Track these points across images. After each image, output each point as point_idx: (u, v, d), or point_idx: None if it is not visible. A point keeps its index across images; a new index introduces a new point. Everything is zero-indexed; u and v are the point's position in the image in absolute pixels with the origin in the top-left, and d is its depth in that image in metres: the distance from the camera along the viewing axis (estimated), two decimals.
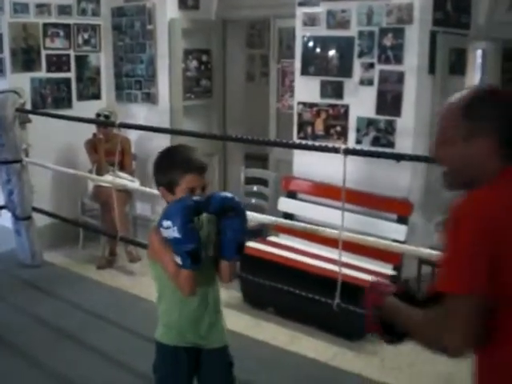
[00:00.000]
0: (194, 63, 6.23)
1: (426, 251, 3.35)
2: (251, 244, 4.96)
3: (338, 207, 3.54)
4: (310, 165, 4.93)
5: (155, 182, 2.40)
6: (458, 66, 4.95)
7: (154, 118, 5.95)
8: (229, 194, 2.32)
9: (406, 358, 4.08)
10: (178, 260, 2.18)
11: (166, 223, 2.15)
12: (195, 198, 2.22)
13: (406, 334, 1.78)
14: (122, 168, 5.68)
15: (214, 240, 2.37)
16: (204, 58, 6.31)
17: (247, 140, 4.24)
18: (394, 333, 1.82)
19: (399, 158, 3.29)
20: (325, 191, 4.85)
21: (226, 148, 6.58)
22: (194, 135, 5.52)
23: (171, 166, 2.32)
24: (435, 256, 3.16)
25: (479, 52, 5.59)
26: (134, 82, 6.25)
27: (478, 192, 1.60)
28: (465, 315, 1.53)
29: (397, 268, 4.48)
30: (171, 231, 2.14)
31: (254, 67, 7.60)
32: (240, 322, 4.39)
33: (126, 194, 5.63)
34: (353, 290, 3.91)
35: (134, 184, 5.55)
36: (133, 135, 5.98)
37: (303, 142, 4.92)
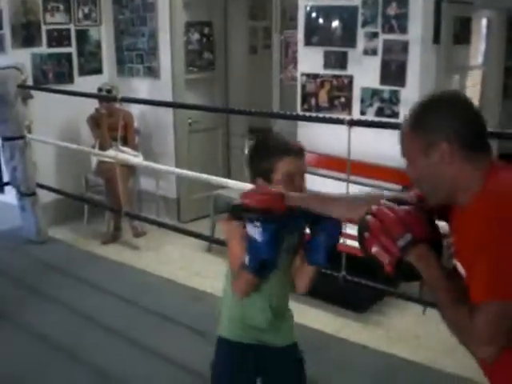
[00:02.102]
0: (195, 36, 6.17)
1: None
2: None
3: (343, 179, 3.51)
4: (315, 137, 4.89)
5: (250, 174, 2.19)
6: (462, 35, 4.89)
7: (156, 92, 5.91)
8: None
9: (411, 329, 4.10)
10: (246, 260, 2.00)
11: (257, 223, 1.95)
12: (293, 215, 2.00)
13: (416, 278, 1.66)
14: (125, 143, 5.66)
15: (296, 248, 2.20)
16: (206, 30, 6.25)
17: (250, 112, 4.22)
18: (405, 273, 1.67)
19: (397, 127, 3.25)
20: (329, 163, 4.82)
21: (230, 121, 6.55)
22: (196, 108, 5.52)
23: (266, 152, 2.14)
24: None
25: (484, 21, 5.52)
26: (136, 55, 6.19)
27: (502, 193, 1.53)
28: (503, 325, 1.48)
29: None
30: (256, 231, 1.95)
31: (257, 39, 7.52)
32: None
33: (130, 168, 5.61)
34: (358, 262, 3.91)
35: (137, 159, 5.53)
36: (135, 110, 5.95)
37: (307, 113, 4.90)
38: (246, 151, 5.52)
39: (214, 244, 5.13)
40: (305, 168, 2.16)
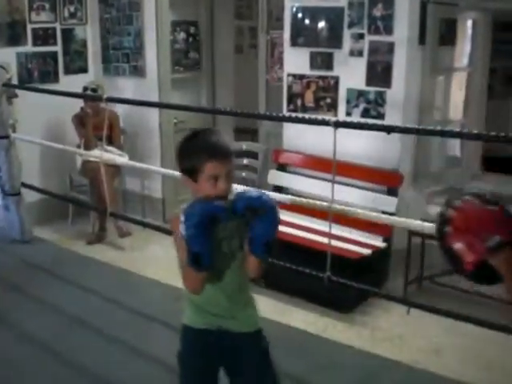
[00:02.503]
0: (181, 35, 6.17)
1: (416, 223, 3.34)
2: None
3: (329, 179, 3.52)
4: (300, 137, 4.91)
5: (178, 168, 2.24)
6: (448, 36, 4.91)
7: (141, 91, 5.89)
8: (255, 193, 2.16)
9: (396, 329, 4.11)
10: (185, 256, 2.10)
11: (182, 218, 2.05)
12: (218, 203, 2.08)
13: (494, 282, 1.56)
14: (111, 142, 5.63)
15: (242, 235, 2.22)
16: (192, 29, 6.25)
17: (236, 113, 4.21)
18: (484, 275, 1.56)
19: (389, 129, 3.26)
20: (315, 164, 4.83)
21: (216, 121, 6.54)
22: (182, 109, 5.50)
23: (193, 151, 2.16)
24: (426, 228, 3.16)
25: (469, 22, 5.54)
26: (122, 54, 6.16)
27: None
28: None
29: (387, 240, 4.49)
30: (182, 226, 2.04)
31: (243, 39, 7.53)
32: None
33: (115, 168, 5.58)
34: (343, 262, 3.92)
35: (122, 158, 5.50)
36: (121, 109, 5.92)
37: (293, 114, 4.90)
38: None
39: None
40: (231, 170, 2.17)
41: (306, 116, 4.31)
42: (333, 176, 3.33)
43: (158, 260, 5.26)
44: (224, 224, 2.13)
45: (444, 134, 3.02)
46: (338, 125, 3.29)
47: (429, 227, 2.99)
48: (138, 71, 6.07)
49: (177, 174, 4.66)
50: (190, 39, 6.25)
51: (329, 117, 4.36)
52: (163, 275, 4.90)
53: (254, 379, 2.36)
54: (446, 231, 1.56)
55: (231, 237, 2.22)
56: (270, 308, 4.33)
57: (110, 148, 5.45)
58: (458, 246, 1.53)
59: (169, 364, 3.66)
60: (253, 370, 2.35)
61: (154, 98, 5.84)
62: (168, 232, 4.82)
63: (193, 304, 2.36)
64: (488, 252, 1.50)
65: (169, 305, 4.45)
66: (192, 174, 2.16)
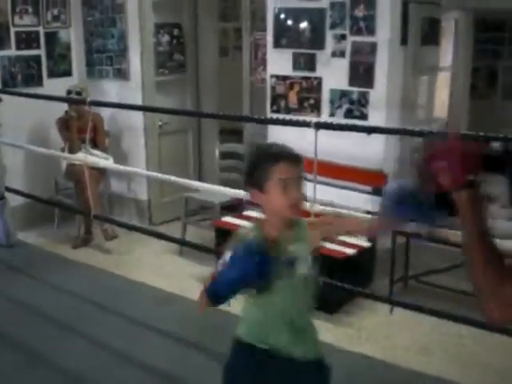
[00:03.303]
0: (165, 38, 6.15)
1: None
2: (228, 219, 4.96)
3: (311, 179, 3.53)
4: (284, 138, 4.88)
5: (246, 187, 2.08)
6: (430, 36, 4.94)
7: (126, 94, 5.88)
8: None
9: (382, 329, 4.13)
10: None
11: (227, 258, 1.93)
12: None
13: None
14: (95, 145, 5.62)
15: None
16: (176, 32, 6.23)
17: (218, 116, 4.22)
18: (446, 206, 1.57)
19: (370, 130, 3.28)
20: None
21: (201, 122, 6.53)
22: (166, 112, 5.50)
23: (260, 160, 2.03)
24: (410, 227, 3.17)
25: (452, 22, 5.58)
26: (105, 57, 6.15)
27: None
28: None
29: (372, 240, 4.50)
30: (224, 267, 1.93)
31: (228, 40, 7.53)
32: None
33: (100, 171, 5.56)
34: (328, 262, 3.93)
35: (107, 161, 5.49)
36: (106, 112, 5.90)
37: (277, 115, 4.91)
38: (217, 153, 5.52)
39: (185, 247, 5.13)
40: (302, 177, 2.02)
41: (289, 117, 4.33)
42: (314, 176, 3.34)
43: (144, 263, 5.25)
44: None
45: (422, 134, 3.03)
46: (318, 126, 3.30)
47: (413, 226, 3.00)
48: (122, 74, 6.05)
49: (162, 175, 4.71)
50: (174, 41, 6.23)
51: (312, 117, 4.37)
52: (150, 278, 4.91)
53: None
54: (432, 154, 1.56)
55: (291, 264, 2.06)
56: None
57: (94, 151, 5.44)
58: (442, 167, 1.52)
59: (157, 368, 3.68)
60: None
61: (138, 101, 5.84)
62: (155, 234, 4.85)
63: (252, 320, 2.18)
64: (464, 184, 1.50)
65: (155, 308, 4.46)
66: (260, 184, 2.00)
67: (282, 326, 2.12)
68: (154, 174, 5.02)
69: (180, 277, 4.89)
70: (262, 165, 2.00)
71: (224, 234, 4.76)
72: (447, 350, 3.86)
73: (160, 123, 6.07)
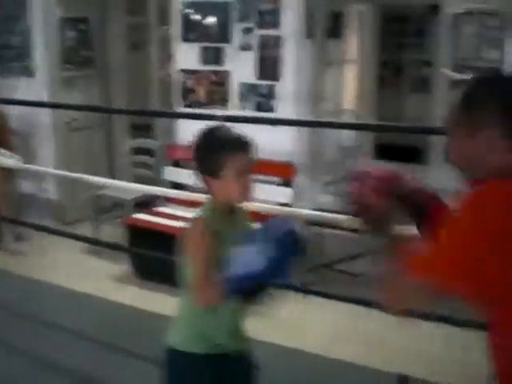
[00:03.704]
0: (71, 33, 6.02)
1: (309, 212, 3.42)
2: (139, 216, 4.91)
3: None
4: (194, 132, 4.90)
5: (197, 170, 2.06)
6: (336, 29, 5.04)
7: (31, 91, 5.72)
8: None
9: (296, 318, 4.19)
10: (230, 274, 1.85)
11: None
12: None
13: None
14: (1, 145, 5.44)
15: None
16: (82, 26, 6.10)
17: (125, 111, 4.17)
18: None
19: (275, 122, 3.33)
20: None
21: (111, 118, 6.43)
22: (74, 108, 5.39)
23: (216, 145, 2.01)
24: (320, 217, 3.24)
25: (355, 15, 5.70)
26: (10, 54, 5.97)
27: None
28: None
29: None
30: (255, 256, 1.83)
31: (138, 35, 7.42)
32: (131, 295, 4.35)
33: (7, 171, 5.40)
34: None
35: (14, 161, 5.32)
36: (14, 110, 5.71)
37: (187, 109, 4.90)
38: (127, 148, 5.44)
39: (97, 246, 5.05)
40: (252, 162, 2.04)
41: (200, 111, 4.33)
42: None
43: (57, 264, 5.15)
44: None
45: (322, 124, 3.11)
46: (226, 119, 3.31)
47: (321, 216, 3.08)
48: (27, 70, 5.89)
49: (72, 174, 4.60)
50: (81, 36, 6.11)
51: (222, 111, 4.39)
52: (63, 279, 4.81)
53: None
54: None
55: None
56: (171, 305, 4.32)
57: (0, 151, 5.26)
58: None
59: (75, 370, 3.62)
60: None
61: (44, 97, 5.69)
62: (67, 235, 4.74)
63: (192, 328, 2.12)
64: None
65: (70, 309, 4.39)
66: (214, 171, 1.99)
67: (232, 326, 2.15)
68: (64, 172, 4.91)
69: (93, 277, 4.81)
70: (216, 152, 1.99)
71: (135, 231, 4.73)
72: (362, 336, 3.95)
73: (68, 120, 5.94)
